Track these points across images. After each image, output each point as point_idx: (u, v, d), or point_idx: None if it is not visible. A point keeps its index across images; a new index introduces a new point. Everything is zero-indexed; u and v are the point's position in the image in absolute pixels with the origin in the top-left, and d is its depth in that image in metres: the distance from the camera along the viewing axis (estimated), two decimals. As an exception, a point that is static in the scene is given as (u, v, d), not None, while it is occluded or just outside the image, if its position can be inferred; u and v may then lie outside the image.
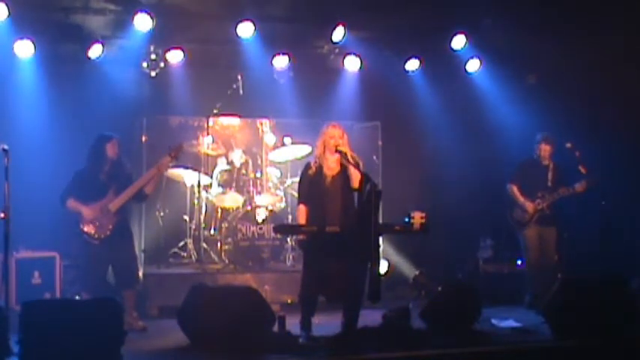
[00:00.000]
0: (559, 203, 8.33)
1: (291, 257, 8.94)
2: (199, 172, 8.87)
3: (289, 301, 8.10)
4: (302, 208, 6.78)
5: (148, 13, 8.10)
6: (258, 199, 9.06)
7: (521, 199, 8.38)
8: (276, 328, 6.67)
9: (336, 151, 6.61)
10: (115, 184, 7.29)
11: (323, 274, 6.54)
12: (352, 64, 9.43)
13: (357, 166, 6.58)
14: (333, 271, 6.51)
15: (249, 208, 8.88)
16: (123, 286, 7.31)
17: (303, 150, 9.26)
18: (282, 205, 9.33)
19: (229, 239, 8.73)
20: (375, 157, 9.62)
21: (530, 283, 8.43)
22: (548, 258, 8.40)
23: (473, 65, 9.60)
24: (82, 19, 8.30)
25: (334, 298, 6.72)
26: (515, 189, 8.44)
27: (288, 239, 8.79)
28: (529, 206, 8.32)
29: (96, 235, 7.17)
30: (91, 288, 7.22)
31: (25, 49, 8.16)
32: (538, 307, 7.83)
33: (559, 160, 8.47)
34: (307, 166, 6.87)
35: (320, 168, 6.76)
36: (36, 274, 7.79)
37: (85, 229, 7.16)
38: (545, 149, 8.37)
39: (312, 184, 6.76)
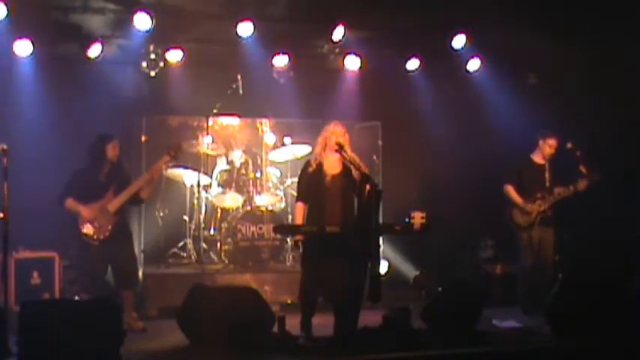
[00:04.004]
0: (560, 204, 8.16)
1: (291, 257, 8.94)
2: (199, 172, 8.86)
3: (289, 301, 8.09)
4: (300, 206, 6.77)
5: (148, 13, 8.09)
6: (258, 199, 9.05)
7: (521, 201, 8.12)
8: (276, 328, 6.65)
9: (336, 149, 6.58)
10: (114, 184, 7.26)
11: (323, 274, 6.52)
12: (352, 63, 9.41)
13: (357, 164, 6.57)
14: (332, 272, 6.48)
15: (248, 208, 8.87)
16: (122, 287, 7.30)
17: (303, 150, 9.25)
18: (282, 205, 9.33)
19: (229, 239, 8.71)
20: (375, 157, 9.60)
21: (523, 286, 8.20)
22: (546, 259, 8.20)
23: (473, 65, 9.59)
24: (81, 19, 8.28)
25: (334, 299, 6.69)
26: (512, 190, 8.19)
27: (288, 239, 8.78)
28: (532, 208, 8.07)
29: (95, 236, 7.15)
30: (90, 288, 7.21)
31: (24, 49, 8.14)
32: (534, 311, 7.81)
33: (559, 160, 8.35)
34: (307, 164, 6.85)
35: (320, 166, 6.73)
36: (35, 274, 7.75)
37: (84, 229, 7.13)
38: (552, 145, 8.10)
39: (311, 183, 6.73)
